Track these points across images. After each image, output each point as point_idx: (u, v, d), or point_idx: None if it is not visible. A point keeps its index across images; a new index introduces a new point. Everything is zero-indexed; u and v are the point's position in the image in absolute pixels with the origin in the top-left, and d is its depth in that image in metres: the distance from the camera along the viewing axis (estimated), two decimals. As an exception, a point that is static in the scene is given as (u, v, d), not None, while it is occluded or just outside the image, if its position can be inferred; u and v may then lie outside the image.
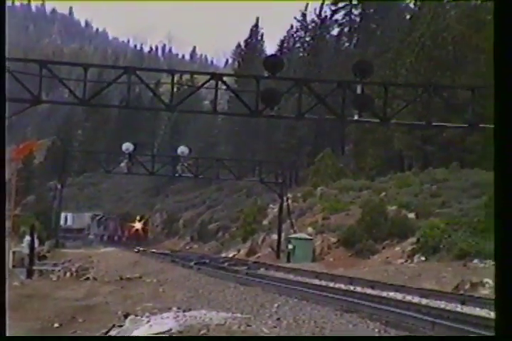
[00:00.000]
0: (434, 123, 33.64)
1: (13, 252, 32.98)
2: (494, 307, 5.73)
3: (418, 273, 30.41)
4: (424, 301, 20.54)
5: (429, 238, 36.86)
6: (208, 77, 32.41)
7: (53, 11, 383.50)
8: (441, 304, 19.75)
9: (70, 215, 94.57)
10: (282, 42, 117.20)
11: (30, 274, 33.76)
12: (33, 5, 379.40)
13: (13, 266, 32.39)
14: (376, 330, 12.48)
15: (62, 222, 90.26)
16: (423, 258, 36.41)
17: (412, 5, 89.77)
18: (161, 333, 11.57)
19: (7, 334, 6.36)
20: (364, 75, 30.70)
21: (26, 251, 35.52)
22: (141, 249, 64.11)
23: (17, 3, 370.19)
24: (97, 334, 13.23)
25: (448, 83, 58.36)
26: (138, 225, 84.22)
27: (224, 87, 34.51)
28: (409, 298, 21.81)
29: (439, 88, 34.62)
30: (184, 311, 14.25)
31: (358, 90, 30.73)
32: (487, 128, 29.22)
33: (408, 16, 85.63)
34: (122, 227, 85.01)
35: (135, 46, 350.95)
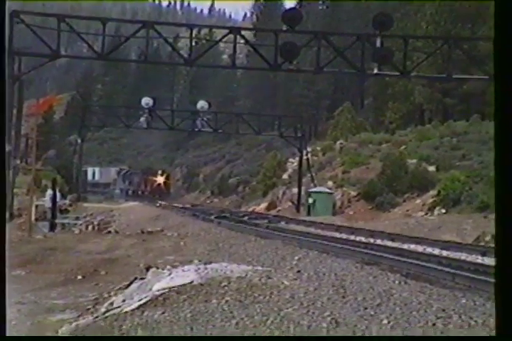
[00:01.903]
0: (454, 76, 33.41)
1: (36, 206, 33.21)
2: (494, 307, 5.73)
3: (438, 225, 30.44)
4: (444, 253, 20.57)
5: (449, 190, 36.83)
6: (227, 31, 32.27)
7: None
8: (462, 256, 19.79)
9: (97, 170, 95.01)
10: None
11: (52, 227, 34.07)
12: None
13: (36, 220, 32.65)
14: (396, 282, 12.52)
15: (89, 177, 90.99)
16: (443, 211, 36.43)
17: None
18: (182, 285, 11.67)
19: (7, 334, 6.43)
20: (384, 28, 30.47)
21: (48, 204, 35.79)
22: (162, 203, 64.40)
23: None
24: (119, 287, 13.36)
25: (468, 35, 57.75)
26: (160, 179, 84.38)
27: (242, 41, 34.37)
28: (429, 250, 21.84)
29: (459, 40, 34.33)
30: (205, 264, 14.35)
31: (378, 43, 30.53)
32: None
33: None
34: (145, 182, 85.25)
35: (153, 0, 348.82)
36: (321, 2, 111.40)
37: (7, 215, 30.52)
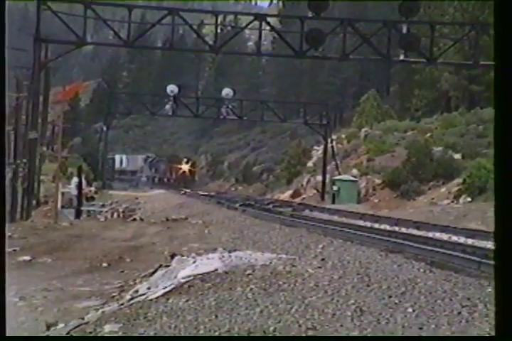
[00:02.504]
0: (482, 63, 33.17)
1: (62, 193, 33.43)
2: (494, 307, 5.70)
3: (464, 213, 30.32)
4: (469, 241, 20.50)
5: (475, 178, 36.62)
6: (252, 17, 32.21)
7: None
8: (488, 244, 19.69)
9: (124, 157, 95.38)
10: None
11: (78, 214, 34.29)
12: None
13: (62, 207, 32.89)
14: (421, 270, 12.50)
15: (117, 164, 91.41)
16: (469, 199, 36.26)
17: None
18: (206, 273, 11.71)
19: (7, 334, 6.47)
20: (410, 14, 30.29)
21: (74, 192, 36.00)
22: (187, 190, 64.55)
23: None
24: (144, 274, 13.43)
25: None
26: (185, 167, 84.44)
27: (268, 27, 34.32)
28: (454, 238, 21.78)
29: (486, 26, 34.00)
30: (229, 252, 14.38)
31: (404, 30, 30.37)
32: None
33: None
34: (170, 169, 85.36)
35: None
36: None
37: (33, 202, 30.77)
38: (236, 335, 7.68)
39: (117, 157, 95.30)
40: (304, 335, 7.72)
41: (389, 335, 7.81)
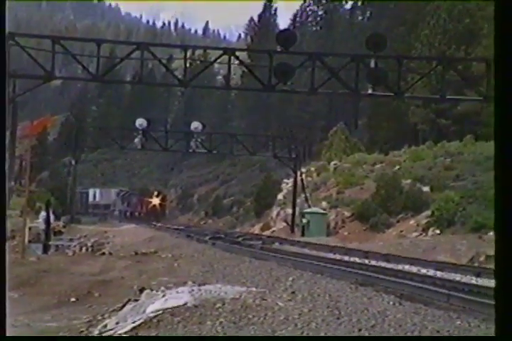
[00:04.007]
0: (448, 97, 33.52)
1: (30, 228, 33.13)
2: (494, 307, 5.72)
3: (433, 246, 30.41)
4: (439, 274, 20.55)
5: (443, 211, 36.83)
6: (221, 52, 32.36)
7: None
8: (456, 276, 19.76)
9: (98, 191, 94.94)
10: (295, 16, 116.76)
11: (46, 249, 33.96)
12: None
13: (29, 241, 32.57)
14: (391, 303, 12.51)
15: (90, 198, 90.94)
16: (438, 232, 36.40)
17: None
18: (176, 307, 11.64)
19: (7, 334, 6.40)
20: (378, 49, 30.57)
21: (42, 226, 35.69)
22: (157, 224, 64.31)
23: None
24: (112, 309, 13.31)
25: (463, 56, 58.03)
26: (155, 201, 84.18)
27: (237, 62, 34.50)
28: (424, 270, 21.81)
29: (453, 61, 34.49)
30: (199, 285, 14.31)
31: (372, 64, 30.63)
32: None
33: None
34: (141, 203, 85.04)
35: (147, 22, 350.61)
36: (314, 23, 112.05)
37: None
38: (236, 335, 7.65)
39: (91, 191, 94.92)
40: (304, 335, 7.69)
41: (389, 335, 7.82)
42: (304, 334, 9.28)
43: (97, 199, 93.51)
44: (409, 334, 9.41)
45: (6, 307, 6.24)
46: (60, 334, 11.66)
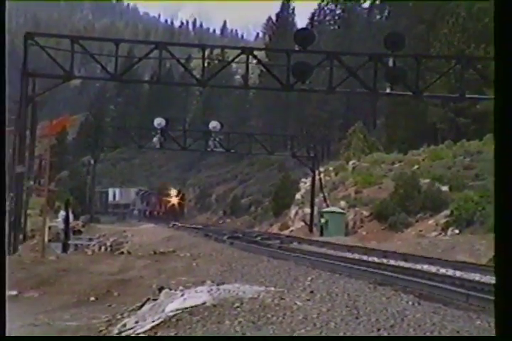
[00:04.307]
0: (467, 95, 33.41)
1: (49, 227, 33.29)
2: (494, 307, 5.70)
3: (452, 245, 30.31)
4: (458, 273, 20.47)
5: (462, 211, 36.69)
6: (239, 51, 32.38)
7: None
8: (476, 276, 19.68)
9: (117, 190, 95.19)
10: (313, 15, 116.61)
11: (65, 248, 34.14)
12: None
13: (49, 241, 32.72)
14: (410, 303, 12.48)
15: (110, 198, 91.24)
16: (457, 231, 36.27)
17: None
18: (194, 306, 11.65)
19: (7, 334, 6.43)
20: (396, 48, 30.53)
21: (61, 225, 35.86)
22: (175, 223, 64.40)
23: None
24: (132, 308, 13.35)
25: (482, 55, 57.79)
26: (174, 200, 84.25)
27: (255, 61, 34.54)
28: (443, 270, 21.74)
29: (472, 60, 34.33)
30: (218, 285, 14.33)
31: (390, 63, 30.59)
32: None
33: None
34: (160, 202, 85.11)
35: (166, 21, 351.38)
36: (332, 22, 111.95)
37: (20, 237, 30.61)
38: (236, 335, 7.66)
39: (110, 190, 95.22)
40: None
41: (389, 335, 7.81)
42: (323, 334, 9.28)
43: (117, 198, 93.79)
44: (428, 334, 9.39)
45: (6, 307, 6.27)
46: (80, 333, 11.71)
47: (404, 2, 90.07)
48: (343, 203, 49.79)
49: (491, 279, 18.93)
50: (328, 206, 49.64)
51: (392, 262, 24.87)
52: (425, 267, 22.77)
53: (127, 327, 11.34)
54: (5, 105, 7.24)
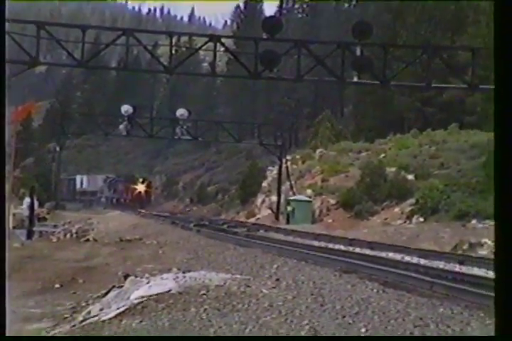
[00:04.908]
0: (433, 85, 33.54)
1: (14, 214, 33.06)
2: (494, 307, 5.75)
3: (417, 233, 30.53)
4: (422, 261, 20.63)
5: (428, 199, 36.93)
6: (207, 39, 32.25)
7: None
8: (440, 264, 19.85)
9: (85, 177, 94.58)
10: (281, 3, 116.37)
11: (30, 235, 33.92)
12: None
13: (14, 228, 32.50)
14: (375, 290, 12.56)
15: (78, 185, 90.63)
16: (422, 219, 36.52)
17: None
18: (160, 294, 11.65)
19: (7, 334, 6.40)
20: (363, 36, 30.54)
21: (26, 212, 35.63)
22: (142, 211, 64.23)
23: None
24: (97, 295, 13.32)
25: (448, 44, 58.07)
26: (141, 187, 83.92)
27: (223, 49, 34.40)
28: (407, 258, 21.91)
29: (439, 49, 34.48)
30: (184, 272, 14.32)
31: (358, 52, 30.60)
32: (487, 89, 29.17)
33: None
34: (127, 190, 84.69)
35: (133, 8, 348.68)
36: (300, 10, 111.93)
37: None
38: (236, 335, 7.67)
39: (78, 177, 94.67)
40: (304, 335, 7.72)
41: (389, 335, 7.86)
42: (288, 322, 9.32)
43: (84, 185, 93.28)
44: (392, 321, 9.46)
45: (6, 308, 6.24)
46: (44, 320, 11.66)
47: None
48: (309, 191, 49.90)
49: (454, 267, 19.11)
50: (294, 194, 49.75)
51: (357, 250, 25.02)
52: (390, 255, 22.93)
53: (92, 314, 11.32)
54: (5, 106, 7.17)
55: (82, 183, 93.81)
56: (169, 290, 11.82)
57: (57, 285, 15.49)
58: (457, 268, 18.98)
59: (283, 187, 53.50)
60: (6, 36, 26.61)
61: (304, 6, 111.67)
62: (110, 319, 9.91)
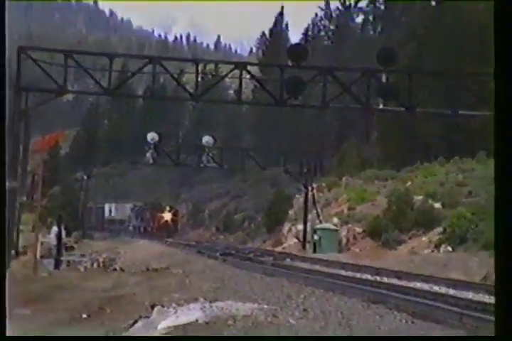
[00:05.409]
0: (460, 112, 33.42)
1: (41, 243, 33.13)
2: (494, 307, 5.70)
3: (445, 263, 30.28)
4: (451, 292, 20.44)
5: (455, 228, 36.63)
6: (233, 66, 32.39)
7: (78, 0, 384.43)
8: (469, 295, 19.64)
9: (113, 206, 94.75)
10: (307, 30, 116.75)
11: (57, 265, 33.92)
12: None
13: (41, 257, 32.56)
14: (403, 321, 12.44)
15: (106, 214, 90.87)
16: (450, 249, 36.21)
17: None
18: (187, 324, 11.59)
19: (7, 334, 6.38)
20: (388, 63, 30.58)
21: (54, 241, 35.68)
22: (168, 240, 64.19)
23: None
24: (124, 325, 13.27)
25: (474, 71, 57.86)
26: (168, 216, 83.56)
27: (248, 76, 34.51)
28: (436, 288, 21.71)
29: (464, 76, 34.38)
30: (210, 302, 14.28)
31: (383, 79, 30.63)
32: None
33: (434, 3, 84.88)
34: (153, 218, 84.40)
35: (159, 35, 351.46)
36: (326, 38, 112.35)
37: (12, 253, 30.44)
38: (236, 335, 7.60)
39: (106, 206, 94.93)
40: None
41: (389, 335, 7.77)
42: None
43: (113, 214, 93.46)
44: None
45: (6, 308, 6.21)
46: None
47: (397, 18, 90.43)
48: (336, 220, 49.72)
49: (483, 298, 18.89)
50: (321, 222, 49.56)
51: (385, 279, 24.83)
52: (418, 285, 22.73)
53: (120, 345, 11.27)
54: (5, 105, 7.21)
55: (110, 212, 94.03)
56: (196, 320, 11.78)
57: (84, 316, 15.45)
58: (487, 298, 18.76)
59: (309, 216, 53.32)
60: (34, 65, 26.73)
61: (329, 33, 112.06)
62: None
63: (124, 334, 12.33)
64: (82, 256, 38.47)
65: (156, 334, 11.30)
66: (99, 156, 68.07)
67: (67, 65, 31.00)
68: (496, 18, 5.77)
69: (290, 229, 56.98)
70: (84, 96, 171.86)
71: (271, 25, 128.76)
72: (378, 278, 25.31)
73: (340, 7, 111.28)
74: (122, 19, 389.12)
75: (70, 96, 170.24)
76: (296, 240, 53.63)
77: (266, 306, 13.82)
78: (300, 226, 53.70)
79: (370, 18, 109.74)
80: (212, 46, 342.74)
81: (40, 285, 21.39)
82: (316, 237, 45.78)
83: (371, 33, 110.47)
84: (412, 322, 12.40)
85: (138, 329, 12.49)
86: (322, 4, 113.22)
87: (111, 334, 12.76)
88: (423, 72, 55.65)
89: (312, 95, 48.86)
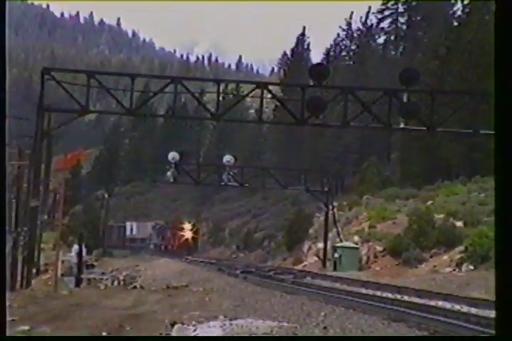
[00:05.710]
0: (481, 131, 33.36)
1: (62, 261, 33.30)
2: (494, 307, 5.69)
3: (466, 282, 30.09)
4: (473, 310, 20.30)
5: (477, 246, 36.43)
6: (254, 86, 32.53)
7: (101, 21, 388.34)
8: (491, 313, 19.49)
9: (135, 225, 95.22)
10: (328, 50, 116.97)
11: (78, 283, 34.06)
12: (82, 16, 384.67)
13: (62, 275, 32.72)
14: (424, 340, 12.39)
15: (128, 232, 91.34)
16: (471, 267, 36.01)
17: (459, 12, 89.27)
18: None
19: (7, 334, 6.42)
20: (410, 83, 30.62)
21: (74, 260, 35.84)
22: (188, 258, 64.22)
23: (66, 16, 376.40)
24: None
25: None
26: (188, 234, 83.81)
27: (269, 95, 34.63)
28: (457, 307, 21.58)
29: (486, 95, 34.33)
30: (230, 320, 14.27)
31: (404, 98, 30.65)
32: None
33: (455, 23, 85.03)
34: (174, 236, 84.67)
35: (181, 56, 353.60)
36: (347, 58, 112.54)
37: (33, 271, 30.57)
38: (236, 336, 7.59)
39: (128, 224, 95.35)
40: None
41: (389, 335, 7.73)
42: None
43: (134, 232, 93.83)
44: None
45: (6, 308, 6.26)
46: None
47: (419, 38, 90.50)
48: (356, 238, 49.60)
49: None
50: (341, 241, 49.46)
51: (406, 298, 24.72)
52: (440, 303, 22.60)
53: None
54: (5, 105, 7.28)
55: (132, 230, 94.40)
56: (216, 338, 11.77)
57: (104, 333, 15.47)
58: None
59: (330, 234, 53.24)
60: (57, 85, 26.99)
61: (351, 53, 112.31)
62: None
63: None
64: (103, 273, 38.61)
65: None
66: (120, 175, 68.41)
67: (90, 85, 31.28)
68: (496, 18, 5.79)
69: (310, 248, 56.88)
70: (106, 116, 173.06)
71: (293, 45, 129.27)
72: (399, 297, 25.20)
73: (361, 27, 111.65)
74: (144, 40, 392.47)
75: (92, 116, 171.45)
76: (316, 258, 53.51)
77: (286, 324, 13.80)
78: (320, 245, 53.61)
79: (392, 37, 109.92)
80: (233, 66, 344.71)
81: (61, 303, 21.46)
82: (336, 255, 45.68)
83: (392, 52, 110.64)
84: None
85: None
86: (344, 24, 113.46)
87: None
88: (444, 91, 55.83)
89: (333, 114, 48.99)
